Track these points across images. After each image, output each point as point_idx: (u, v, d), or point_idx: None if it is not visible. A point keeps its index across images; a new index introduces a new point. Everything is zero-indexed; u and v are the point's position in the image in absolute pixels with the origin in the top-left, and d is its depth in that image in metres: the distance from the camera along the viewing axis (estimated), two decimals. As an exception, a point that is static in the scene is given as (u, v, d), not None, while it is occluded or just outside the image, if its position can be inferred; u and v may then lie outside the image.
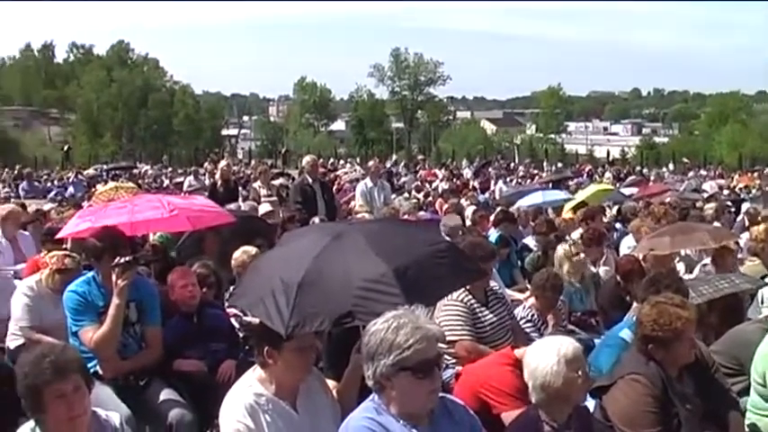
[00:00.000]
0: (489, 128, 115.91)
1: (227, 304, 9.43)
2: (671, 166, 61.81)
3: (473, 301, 8.64)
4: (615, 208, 19.91)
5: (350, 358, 6.11)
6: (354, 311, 5.59)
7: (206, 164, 49.38)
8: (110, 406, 6.16)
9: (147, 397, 7.56)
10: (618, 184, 32.61)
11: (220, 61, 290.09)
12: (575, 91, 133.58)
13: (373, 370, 4.65)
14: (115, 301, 7.27)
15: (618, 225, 17.26)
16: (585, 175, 45.43)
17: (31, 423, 4.98)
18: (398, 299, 5.37)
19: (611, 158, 72.27)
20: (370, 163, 25.50)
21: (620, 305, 9.92)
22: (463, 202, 21.21)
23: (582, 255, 11.13)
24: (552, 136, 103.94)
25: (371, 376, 4.69)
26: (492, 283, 9.31)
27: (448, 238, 13.14)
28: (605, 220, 16.85)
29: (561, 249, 11.19)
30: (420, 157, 70.02)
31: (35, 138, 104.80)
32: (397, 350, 4.55)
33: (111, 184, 21.02)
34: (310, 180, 17.47)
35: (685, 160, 64.51)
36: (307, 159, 19.19)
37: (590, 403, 6.33)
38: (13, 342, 9.07)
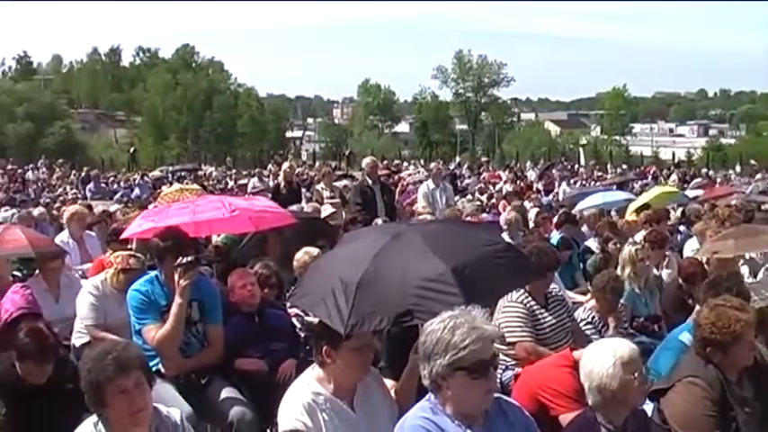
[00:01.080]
0: (553, 129, 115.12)
1: (288, 304, 9.50)
2: (738, 169, 60.84)
3: (533, 303, 8.65)
4: (679, 210, 19.70)
5: (408, 358, 6.14)
6: (413, 310, 5.61)
7: (270, 166, 49.55)
8: (171, 403, 6.21)
9: (209, 395, 7.63)
10: (684, 187, 32.26)
11: (285, 63, 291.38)
12: (640, 92, 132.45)
13: (429, 369, 4.67)
14: (178, 300, 7.35)
15: (682, 228, 17.08)
16: (650, 177, 44.96)
17: (94, 418, 5.07)
18: (457, 298, 5.39)
19: (676, 160, 71.28)
20: (433, 165, 25.51)
21: (683, 308, 9.84)
22: (526, 204, 21.12)
23: (646, 260, 10.98)
24: (617, 137, 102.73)
25: (427, 376, 4.71)
26: (552, 286, 9.29)
27: (507, 234, 13.18)
28: (669, 222, 16.68)
29: (625, 252, 11.07)
30: (484, 158, 69.63)
31: (102, 140, 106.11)
32: (453, 350, 4.57)
33: (176, 185, 21.23)
34: (370, 182, 17.46)
35: (753, 162, 63.27)
36: (366, 161, 19.22)
37: (648, 407, 6.29)
38: (78, 340, 9.21)
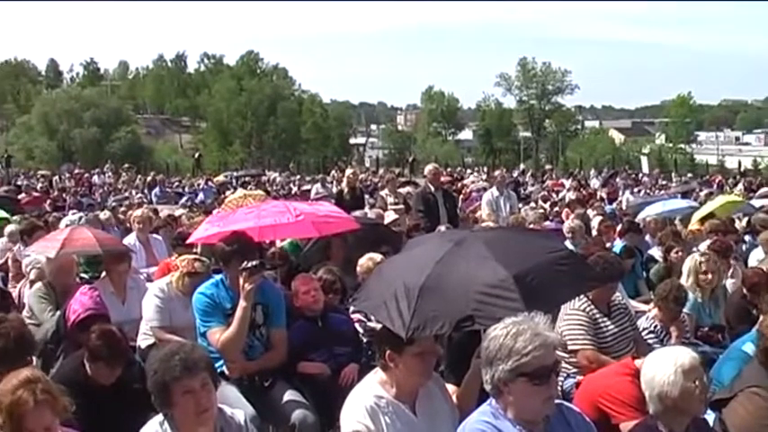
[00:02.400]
0: (617, 137, 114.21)
1: (351, 309, 9.55)
2: (806, 178, 60.05)
3: (595, 311, 8.61)
4: (745, 220, 19.48)
5: (469, 363, 6.17)
6: (474, 315, 5.64)
7: (333, 172, 49.76)
8: (235, 404, 6.30)
9: (272, 397, 7.70)
10: (750, 196, 31.87)
11: (348, 70, 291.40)
12: (706, 99, 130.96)
13: (491, 375, 4.69)
14: (242, 303, 7.42)
15: (747, 237, 16.89)
16: (716, 186, 44.45)
17: (160, 417, 5.15)
18: (518, 304, 5.42)
19: (742, 169, 70.43)
20: (497, 172, 25.45)
21: (747, 318, 9.72)
22: (590, 212, 21.01)
23: (710, 275, 10.77)
24: (682, 146, 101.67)
25: (489, 381, 4.73)
26: (615, 294, 9.24)
27: (570, 242, 13.12)
28: (735, 232, 16.48)
29: (690, 262, 10.96)
30: (547, 166, 69.40)
31: (167, 145, 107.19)
32: (516, 356, 4.58)
33: (240, 191, 21.38)
34: (432, 188, 17.43)
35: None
36: (429, 168, 19.19)
37: (710, 416, 6.27)
38: (144, 341, 9.32)
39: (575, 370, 8.32)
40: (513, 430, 4.69)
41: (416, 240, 8.57)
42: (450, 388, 6.38)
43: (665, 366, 5.33)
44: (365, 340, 9.07)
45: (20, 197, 27.76)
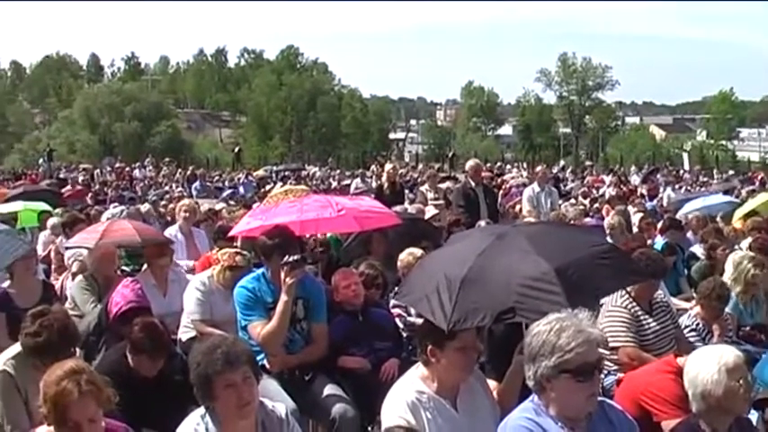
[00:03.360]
0: (658, 133, 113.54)
1: (391, 303, 9.55)
2: None
3: (637, 308, 8.56)
4: (788, 217, 19.27)
5: (511, 359, 6.16)
6: (515, 308, 5.63)
7: (373, 166, 49.74)
8: (276, 398, 6.29)
9: (312, 391, 7.70)
10: (793, 193, 31.55)
11: (388, 65, 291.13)
12: (748, 96, 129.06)
13: (534, 371, 4.69)
14: (283, 297, 7.43)
15: (790, 235, 16.71)
16: (758, 183, 44.05)
17: (202, 410, 5.19)
18: (559, 297, 5.42)
19: (786, 166, 69.94)
20: (538, 168, 25.34)
21: (790, 318, 9.67)
22: (630, 208, 20.87)
23: (760, 272, 10.59)
24: (723, 142, 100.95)
25: (532, 377, 4.72)
26: (657, 292, 9.18)
27: (610, 238, 13.05)
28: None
29: (733, 259, 10.84)
30: (587, 162, 69.11)
31: (207, 139, 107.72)
32: (559, 352, 4.58)
33: (279, 186, 21.40)
34: (473, 184, 17.43)
35: None
36: (470, 164, 19.12)
37: (753, 416, 6.22)
38: (184, 334, 9.37)
39: (615, 367, 8.28)
40: (555, 427, 4.69)
41: (458, 235, 8.58)
42: (492, 384, 6.36)
43: (709, 365, 5.30)
44: (405, 335, 9.08)
45: (62, 190, 27.86)
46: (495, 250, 6.09)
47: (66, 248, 12.39)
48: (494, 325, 6.41)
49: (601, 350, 4.80)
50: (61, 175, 44.39)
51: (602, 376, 7.85)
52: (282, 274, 7.40)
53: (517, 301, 5.65)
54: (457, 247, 6.82)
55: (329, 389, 7.71)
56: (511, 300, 5.67)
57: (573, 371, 4.59)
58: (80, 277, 10.45)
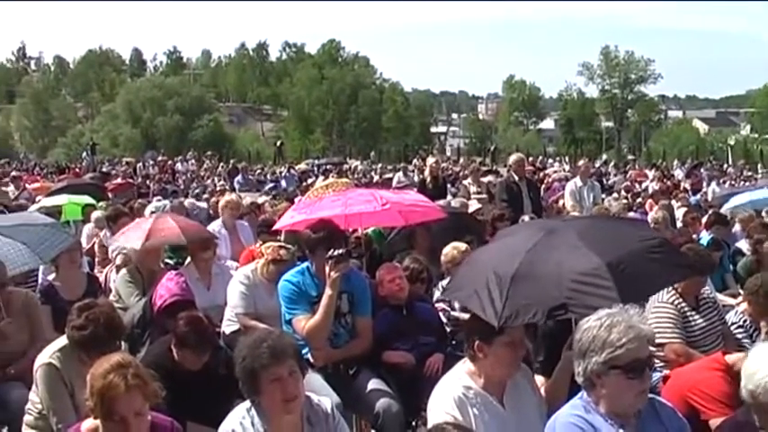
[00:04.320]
0: (702, 127, 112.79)
1: (435, 298, 9.51)
2: None
3: (684, 304, 8.46)
4: (834, 212, 19.03)
5: (559, 355, 6.11)
6: (567, 304, 5.56)
7: (415, 160, 49.78)
8: (320, 392, 6.29)
9: (356, 386, 7.68)
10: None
11: (430, 59, 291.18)
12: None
13: (584, 367, 4.65)
14: (328, 291, 7.41)
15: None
16: (803, 177, 43.61)
17: (247, 404, 5.18)
18: (611, 292, 5.36)
19: (831, 161, 69.07)
20: (581, 162, 25.24)
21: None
22: (674, 203, 20.73)
23: None
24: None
25: (582, 373, 4.68)
26: (704, 288, 9.09)
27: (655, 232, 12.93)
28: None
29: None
30: (630, 156, 68.83)
31: (249, 133, 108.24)
32: (610, 348, 4.54)
33: (321, 180, 21.40)
34: (516, 178, 17.34)
35: None
36: (513, 158, 19.07)
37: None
38: (228, 327, 9.36)
39: (661, 364, 8.18)
40: (604, 424, 4.65)
41: (507, 230, 8.50)
42: (539, 380, 6.32)
43: None
44: (449, 329, 9.04)
45: (106, 184, 28.02)
46: (545, 245, 6.02)
47: (112, 241, 12.42)
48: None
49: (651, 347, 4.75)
50: (104, 169, 44.75)
51: (648, 373, 7.81)
52: (327, 268, 7.38)
53: (568, 296, 5.58)
54: (506, 242, 6.75)
55: (373, 383, 7.67)
56: (562, 295, 5.60)
57: (623, 367, 4.54)
58: (124, 270, 10.49)
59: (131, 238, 10.83)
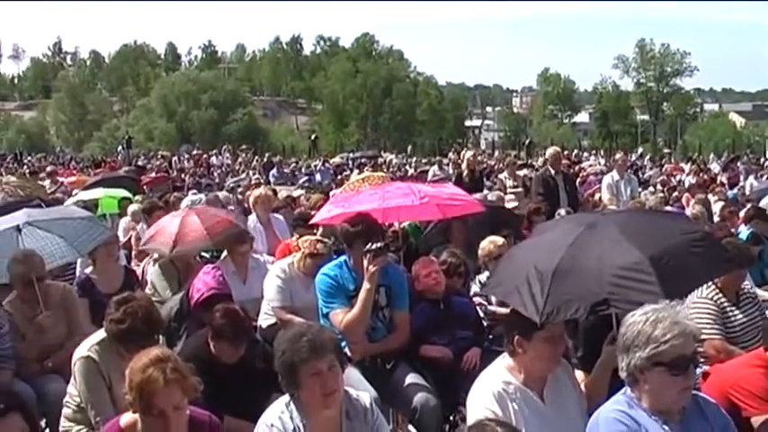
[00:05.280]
0: (738, 121, 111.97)
1: (472, 292, 9.47)
2: None
3: (723, 300, 8.38)
4: None
5: (599, 350, 6.05)
6: (609, 299, 5.48)
7: (450, 154, 49.69)
8: (358, 386, 6.28)
9: (393, 380, 7.64)
10: None
11: (464, 52, 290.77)
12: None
13: (628, 362, 4.60)
14: (366, 285, 7.36)
15: None
16: (842, 171, 43.22)
17: (286, 398, 5.16)
18: (654, 287, 5.27)
19: None
20: (618, 155, 25.13)
21: None
22: (711, 197, 20.58)
23: None
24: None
25: (625, 368, 4.64)
26: (744, 283, 9.00)
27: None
28: None
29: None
30: (666, 150, 68.50)
31: (283, 127, 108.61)
32: (654, 344, 4.49)
33: (356, 173, 21.36)
34: (552, 172, 17.29)
35: None
36: (550, 151, 19.04)
37: None
38: (264, 321, 9.37)
39: (701, 360, 8.11)
40: (648, 420, 4.60)
41: (546, 225, 8.42)
42: (579, 375, 6.26)
43: None
44: (486, 324, 8.99)
45: (142, 177, 28.14)
46: (586, 240, 5.95)
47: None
48: (581, 315, 6.30)
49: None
50: (139, 163, 44.99)
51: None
52: (365, 262, 7.34)
53: (611, 292, 5.50)
54: (546, 237, 6.67)
55: (411, 377, 7.64)
56: (604, 291, 5.52)
57: (667, 363, 4.49)
58: (160, 263, 10.51)
59: (160, 243, 10.77)
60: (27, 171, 32.52)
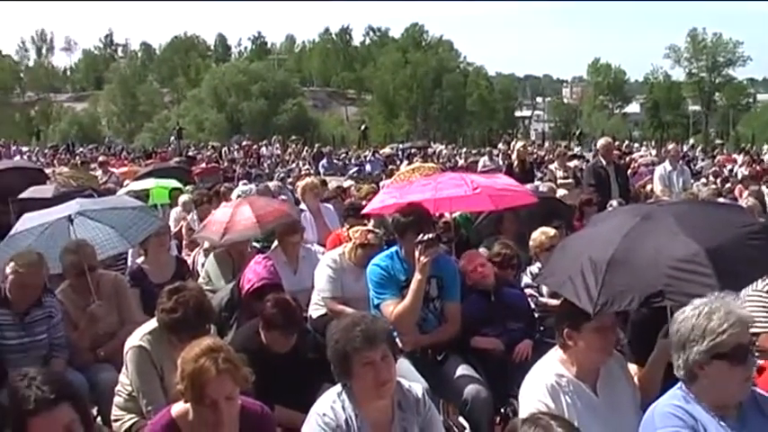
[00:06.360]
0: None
1: (523, 283, 9.41)
2: None
3: (779, 293, 8.26)
4: None
5: (652, 341, 5.99)
6: (665, 291, 5.40)
7: (500, 144, 49.55)
8: (409, 377, 6.27)
9: (444, 371, 7.61)
10: None
11: (514, 43, 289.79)
12: None
13: (685, 359, 4.51)
14: (417, 276, 7.33)
15: None
16: None
17: (338, 388, 5.17)
18: (711, 279, 5.19)
19: None
20: (670, 146, 24.94)
21: None
22: (764, 189, 20.35)
23: None
24: None
25: (682, 365, 4.54)
26: (798, 277, 8.85)
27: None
28: None
29: None
30: (718, 141, 67.82)
31: (333, 117, 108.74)
32: (711, 336, 4.40)
33: (405, 164, 21.31)
34: (604, 162, 17.12)
35: None
36: (601, 142, 18.91)
37: None
38: (315, 311, 9.36)
39: (756, 354, 7.98)
40: (705, 415, 4.51)
41: (599, 216, 8.34)
42: (632, 367, 6.19)
43: None
44: (537, 315, 8.93)
45: (193, 168, 28.28)
46: (641, 231, 5.87)
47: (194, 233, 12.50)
48: (633, 307, 6.23)
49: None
50: (190, 153, 45.24)
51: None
52: (416, 253, 7.30)
53: (666, 283, 5.42)
54: (600, 228, 6.60)
55: (462, 369, 7.59)
56: (659, 282, 5.45)
57: (727, 354, 4.40)
58: (215, 252, 10.53)
59: (210, 232, 10.84)
60: (79, 162, 32.73)
